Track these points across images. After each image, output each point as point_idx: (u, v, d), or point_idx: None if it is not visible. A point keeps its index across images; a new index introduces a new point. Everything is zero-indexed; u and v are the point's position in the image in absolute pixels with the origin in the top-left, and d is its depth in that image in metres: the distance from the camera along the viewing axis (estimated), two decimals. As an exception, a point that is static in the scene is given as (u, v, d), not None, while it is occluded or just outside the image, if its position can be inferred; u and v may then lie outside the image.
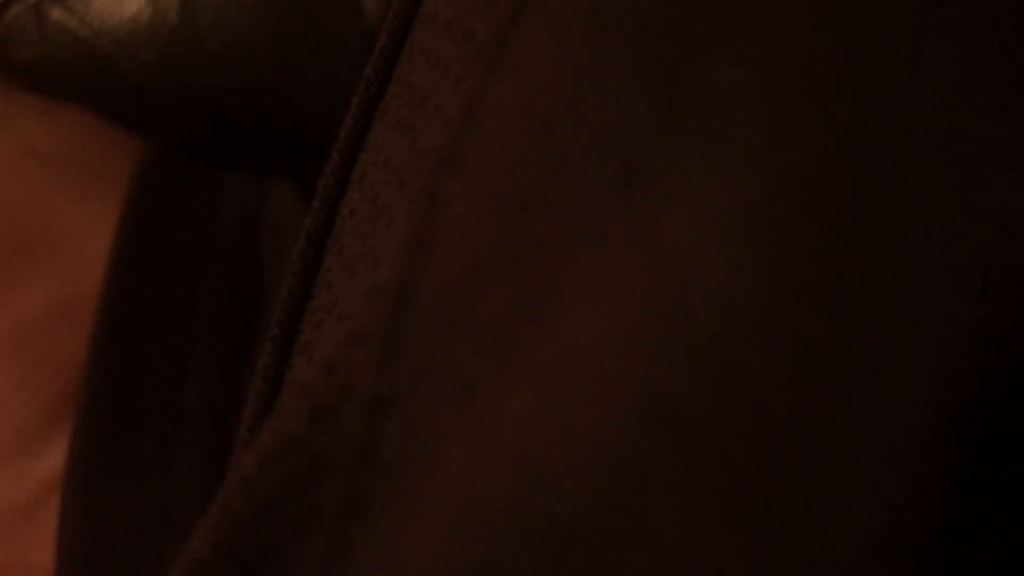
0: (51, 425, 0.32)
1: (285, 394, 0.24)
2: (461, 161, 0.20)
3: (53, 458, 0.32)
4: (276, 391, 0.25)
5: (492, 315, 0.19)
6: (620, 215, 0.19)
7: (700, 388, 0.18)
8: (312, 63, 0.39)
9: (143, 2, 0.38)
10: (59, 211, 0.34)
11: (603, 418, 0.18)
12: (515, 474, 0.18)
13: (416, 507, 0.19)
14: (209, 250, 0.34)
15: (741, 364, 0.18)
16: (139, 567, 0.31)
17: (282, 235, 0.35)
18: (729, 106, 0.19)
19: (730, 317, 0.18)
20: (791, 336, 0.18)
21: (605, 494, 0.18)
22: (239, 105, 0.39)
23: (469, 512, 0.19)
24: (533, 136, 0.20)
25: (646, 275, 0.19)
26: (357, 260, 0.23)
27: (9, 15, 0.39)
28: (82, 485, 0.31)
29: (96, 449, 0.32)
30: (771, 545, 0.18)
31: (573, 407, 0.19)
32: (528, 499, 0.18)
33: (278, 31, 0.39)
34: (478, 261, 0.20)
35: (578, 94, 0.20)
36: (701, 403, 0.18)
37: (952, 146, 0.18)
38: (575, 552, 0.18)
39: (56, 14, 0.39)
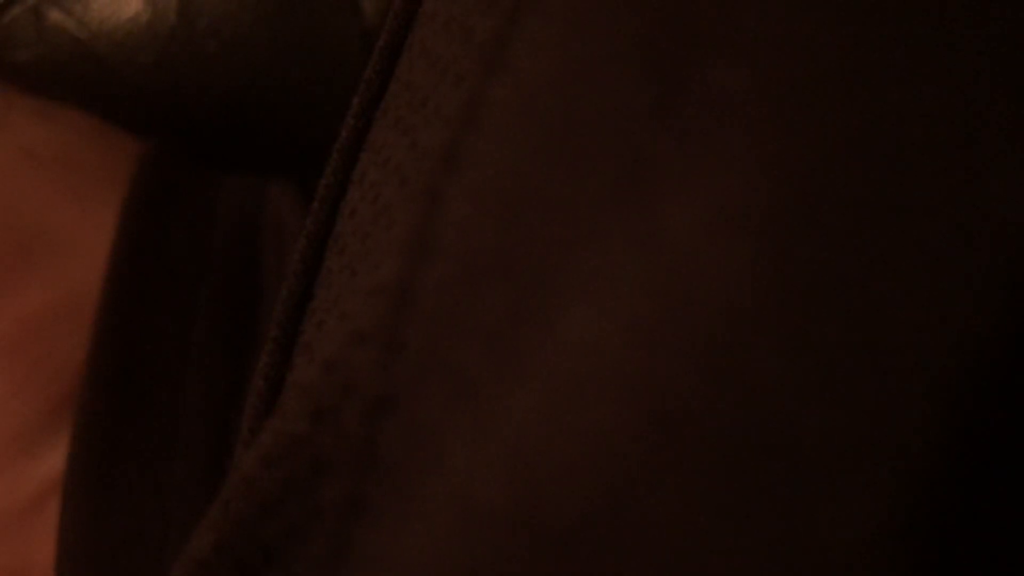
0: (51, 426, 0.32)
1: (286, 394, 0.24)
2: (462, 161, 0.20)
3: (53, 459, 0.32)
4: (277, 391, 0.25)
5: (493, 314, 0.19)
6: (621, 214, 0.19)
7: (701, 387, 0.18)
8: (310, 63, 0.39)
9: (142, 4, 0.38)
10: (58, 212, 0.34)
11: (604, 417, 0.18)
12: (516, 474, 0.18)
13: (417, 507, 0.19)
14: (208, 250, 0.34)
15: (742, 363, 0.18)
16: (139, 567, 0.31)
17: (282, 235, 0.35)
18: (730, 105, 0.19)
19: (731, 316, 0.18)
20: (792, 335, 0.18)
21: (606, 493, 0.18)
22: (238, 106, 0.39)
23: (470, 512, 0.19)
24: (534, 135, 0.20)
25: (647, 274, 0.19)
26: (358, 260, 0.23)
27: (7, 17, 0.39)
28: (82, 486, 0.31)
29: (96, 450, 0.32)
30: (771, 545, 0.18)
31: (574, 406, 0.19)
32: (529, 499, 0.18)
33: (277, 32, 0.39)
34: (479, 261, 0.20)
35: (579, 93, 0.20)
36: (702, 402, 0.18)
37: (954, 145, 0.18)
38: (575, 552, 0.18)
39: (55, 16, 0.39)
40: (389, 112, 0.25)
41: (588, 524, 0.18)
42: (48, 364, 0.32)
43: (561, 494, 0.18)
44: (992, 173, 0.18)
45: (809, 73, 0.19)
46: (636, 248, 0.19)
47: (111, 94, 0.38)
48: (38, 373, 0.32)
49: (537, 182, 0.20)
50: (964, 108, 0.19)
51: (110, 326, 0.33)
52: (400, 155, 0.23)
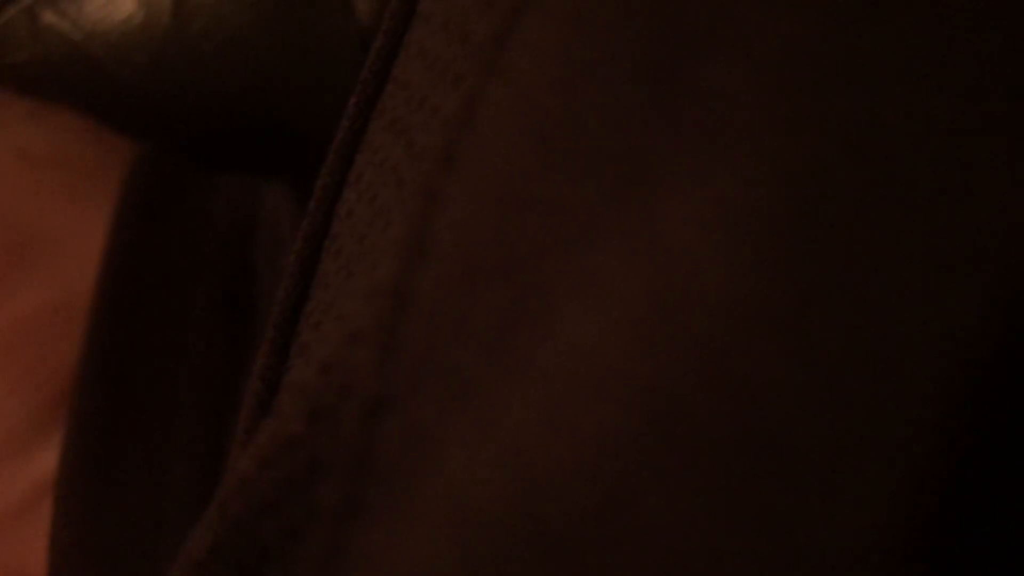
0: (44, 427, 0.32)
1: (283, 395, 0.24)
2: (459, 161, 0.20)
3: (46, 460, 0.32)
4: (273, 392, 0.25)
5: (490, 315, 0.19)
6: (619, 215, 0.19)
7: (699, 387, 0.18)
8: (305, 64, 0.39)
9: (136, 5, 0.38)
10: (52, 213, 0.34)
11: (602, 418, 0.18)
12: (514, 474, 0.18)
13: (414, 508, 0.19)
14: (203, 251, 0.34)
15: (740, 363, 0.18)
16: (132, 569, 0.31)
17: (277, 236, 0.35)
18: (728, 105, 0.19)
19: (729, 316, 0.18)
20: (791, 335, 0.18)
21: (603, 494, 0.18)
22: (232, 107, 0.39)
23: (468, 513, 0.19)
24: (531, 136, 0.20)
25: (645, 275, 0.19)
26: (355, 261, 0.23)
27: (2, 19, 0.39)
28: (75, 487, 0.31)
29: (89, 451, 0.32)
30: (771, 545, 0.18)
31: (572, 407, 0.19)
32: (527, 499, 0.18)
33: (271, 33, 0.39)
34: (476, 262, 0.20)
35: (576, 94, 0.20)
36: (700, 403, 0.18)
37: (952, 145, 0.18)
38: (573, 553, 0.18)
39: (49, 17, 0.38)
40: (386, 113, 0.25)
41: (586, 525, 0.18)
42: (42, 365, 0.32)
43: (559, 495, 0.18)
44: (991, 174, 0.18)
45: (807, 73, 0.19)
46: (634, 249, 0.19)
47: (105, 95, 0.38)
48: (32, 374, 0.32)
49: (534, 183, 0.20)
50: (963, 108, 0.19)
51: (104, 327, 0.33)
52: (397, 156, 0.23)
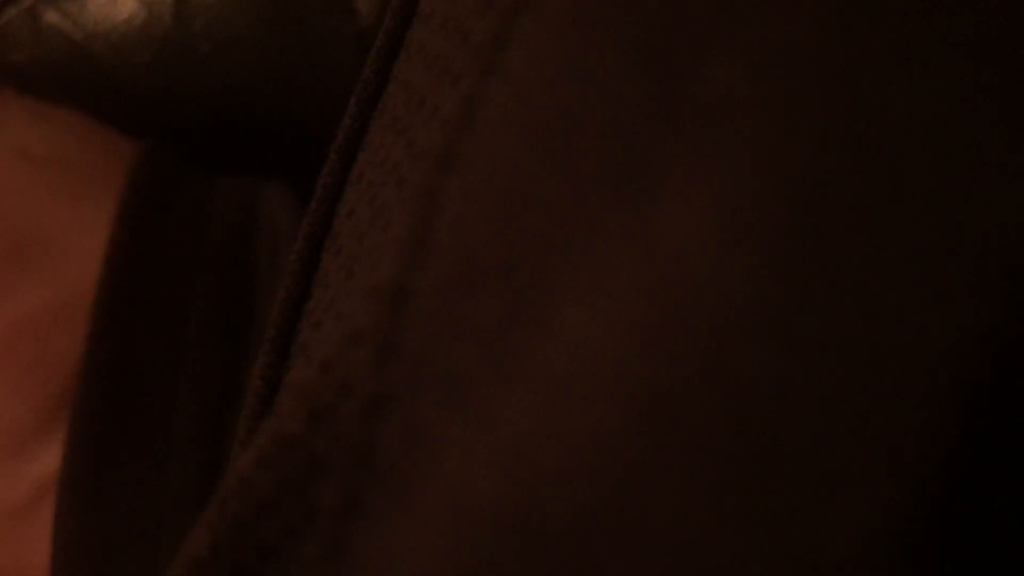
0: (46, 426, 0.32)
1: (282, 395, 0.24)
2: (459, 161, 0.20)
3: (48, 459, 0.32)
4: (274, 392, 0.25)
5: (490, 315, 0.19)
6: (618, 215, 0.19)
7: (698, 388, 0.18)
8: (305, 64, 0.39)
9: (137, 5, 0.38)
10: (53, 213, 0.34)
11: (601, 418, 0.18)
12: (513, 474, 0.18)
13: (413, 508, 0.19)
14: (203, 251, 0.34)
15: (739, 363, 0.18)
16: (134, 568, 0.31)
17: (277, 236, 0.35)
18: (728, 105, 0.19)
19: (728, 316, 0.18)
20: (789, 335, 0.18)
21: (603, 494, 0.18)
22: (233, 107, 0.39)
23: (467, 512, 0.19)
24: (531, 136, 0.20)
25: (644, 275, 0.19)
26: (355, 261, 0.23)
27: (3, 18, 0.39)
28: (77, 486, 0.31)
29: (91, 450, 0.32)
30: (769, 545, 0.18)
31: (571, 407, 0.19)
32: (526, 499, 0.18)
33: (271, 33, 0.39)
34: (476, 261, 0.20)
35: (576, 94, 0.20)
36: (699, 403, 0.18)
37: (951, 146, 0.18)
38: (572, 553, 0.18)
39: (50, 17, 0.38)
40: (386, 112, 0.25)
41: (584, 525, 0.18)
42: (43, 365, 0.32)
43: (557, 495, 0.18)
44: (990, 174, 0.18)
45: (806, 73, 0.19)
46: (632, 249, 0.19)
47: (106, 95, 0.38)
48: (33, 374, 0.32)
49: (534, 183, 0.20)
50: (962, 108, 0.19)
51: (105, 327, 0.33)
52: (397, 155, 0.23)
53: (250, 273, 0.34)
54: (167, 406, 0.32)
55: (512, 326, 0.19)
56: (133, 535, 0.31)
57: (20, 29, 0.39)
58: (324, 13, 0.39)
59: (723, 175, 0.19)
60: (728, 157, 0.19)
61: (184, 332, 0.33)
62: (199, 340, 0.33)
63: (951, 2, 0.19)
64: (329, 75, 0.39)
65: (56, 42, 0.39)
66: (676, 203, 0.19)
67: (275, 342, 0.25)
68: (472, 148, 0.20)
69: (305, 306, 0.25)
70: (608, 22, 0.20)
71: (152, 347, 0.33)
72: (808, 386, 0.18)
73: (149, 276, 0.34)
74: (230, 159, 0.39)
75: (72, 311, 0.33)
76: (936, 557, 0.18)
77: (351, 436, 0.19)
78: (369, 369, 0.20)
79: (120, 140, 0.37)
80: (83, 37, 0.38)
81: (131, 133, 0.37)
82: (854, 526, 0.18)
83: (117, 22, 0.38)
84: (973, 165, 0.18)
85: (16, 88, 0.38)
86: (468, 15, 0.22)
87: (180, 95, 0.39)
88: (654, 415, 0.18)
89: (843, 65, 0.19)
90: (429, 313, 0.19)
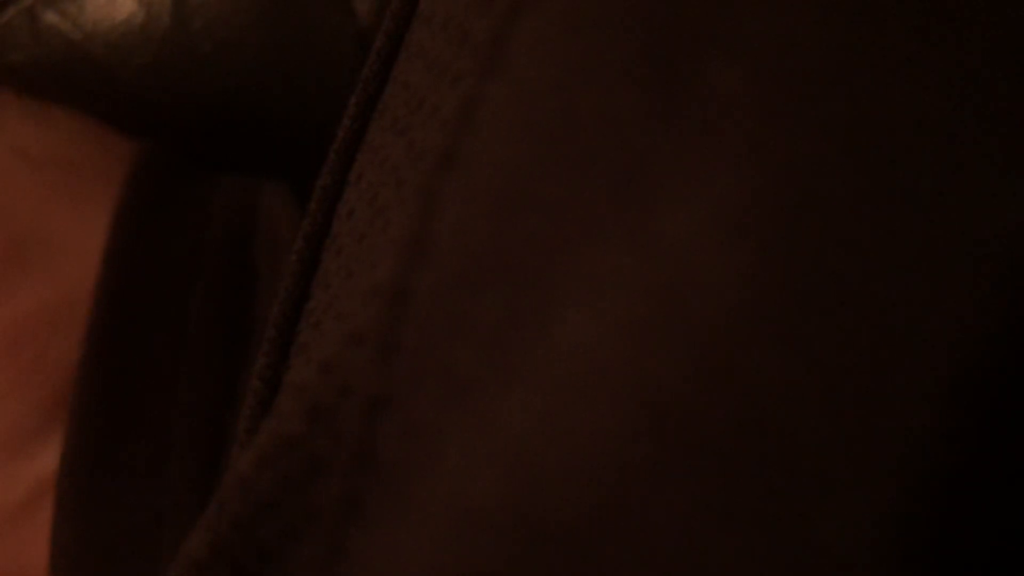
0: (44, 426, 0.32)
1: (282, 395, 0.24)
2: (459, 162, 0.20)
3: (46, 459, 0.32)
4: (273, 392, 0.25)
5: (490, 315, 0.19)
6: (618, 215, 0.19)
7: (698, 387, 0.18)
8: (304, 64, 0.39)
9: (136, 5, 0.38)
10: (52, 213, 0.34)
11: (601, 418, 0.18)
12: (513, 475, 0.18)
13: (413, 508, 0.19)
14: (202, 251, 0.34)
15: (739, 363, 0.18)
16: (133, 568, 0.31)
17: (276, 236, 0.35)
18: (727, 105, 0.19)
19: (728, 316, 0.18)
20: (790, 335, 0.18)
21: (603, 494, 0.18)
22: (232, 107, 0.39)
23: (467, 513, 0.19)
24: (531, 136, 0.20)
25: (644, 275, 0.19)
26: (355, 261, 0.23)
27: (2, 19, 0.39)
28: (76, 486, 0.31)
29: (90, 450, 0.32)
30: (770, 545, 0.18)
31: (571, 407, 0.19)
32: (526, 500, 0.18)
33: (270, 33, 0.39)
34: (476, 262, 0.20)
35: (576, 94, 0.20)
36: (699, 403, 0.18)
37: (951, 145, 0.18)
38: (573, 553, 0.18)
39: (49, 17, 0.38)
40: (386, 113, 0.25)
41: (584, 525, 0.18)
42: (42, 365, 0.32)
43: (557, 495, 0.18)
44: (991, 173, 0.18)
45: (806, 72, 0.19)
46: (633, 249, 0.19)
47: (106, 95, 0.38)
48: (32, 374, 0.32)
49: (534, 183, 0.20)
50: (963, 108, 0.19)
51: (104, 327, 0.33)
52: (397, 156, 0.23)
53: (250, 273, 0.34)
54: (166, 406, 0.32)
55: (512, 326, 0.19)
56: (132, 536, 0.31)
57: (19, 29, 0.39)
58: (323, 13, 0.39)
59: (723, 175, 0.19)
60: (728, 157, 0.19)
61: (183, 332, 0.33)
62: (198, 340, 0.33)
63: (951, 2, 0.19)
64: (328, 75, 0.39)
65: (55, 42, 0.39)
66: (676, 203, 0.19)
67: (275, 342, 0.25)
68: (472, 148, 0.20)
69: (305, 307, 0.25)
70: (608, 22, 0.20)
71: (151, 347, 0.33)
72: (809, 386, 0.18)
73: (148, 276, 0.33)
74: (230, 159, 0.39)
75: (71, 311, 0.33)
76: (939, 557, 0.18)
77: (351, 436, 0.19)
78: (369, 369, 0.20)
79: (119, 140, 0.37)
80: (82, 37, 0.38)
81: (130, 133, 0.37)
82: (856, 526, 0.18)
83: (116, 22, 0.38)
84: (974, 164, 0.18)
85: (15, 88, 0.38)
86: (468, 16, 0.22)
87: (179, 95, 0.39)
88: (654, 415, 0.18)
89: (843, 65, 0.19)
90: (429, 313, 0.19)
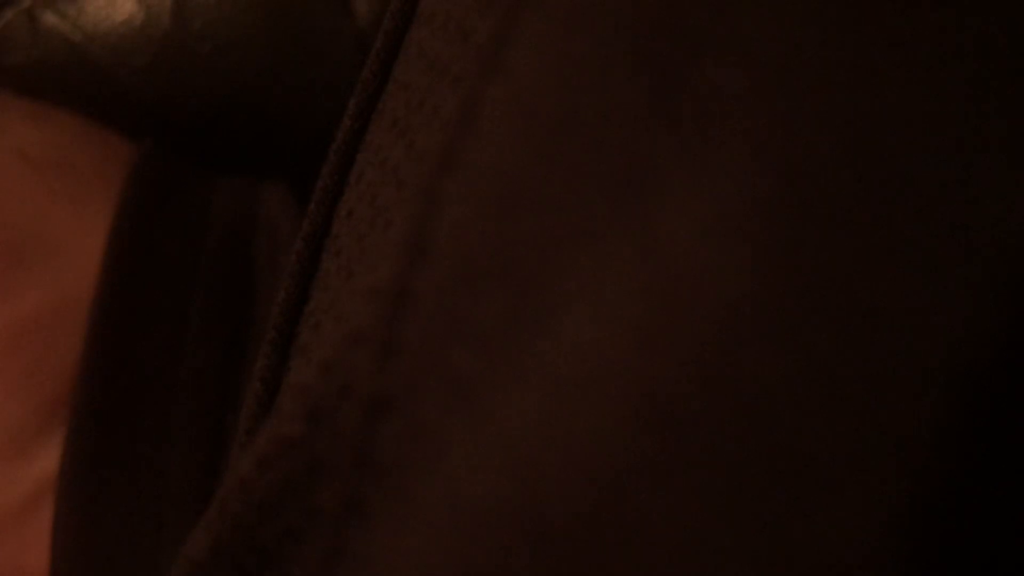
0: (45, 427, 0.32)
1: (283, 396, 0.24)
2: (459, 162, 0.20)
3: (47, 460, 0.32)
4: (274, 393, 0.25)
5: (490, 316, 0.19)
6: (618, 215, 0.19)
7: (698, 388, 0.18)
8: (304, 65, 0.39)
9: (136, 6, 0.38)
10: (52, 215, 0.34)
11: (601, 418, 0.18)
12: (514, 475, 0.18)
13: (414, 509, 0.19)
14: (202, 252, 0.34)
15: (739, 363, 0.18)
16: (133, 569, 0.31)
17: (276, 236, 0.35)
18: (727, 105, 0.19)
19: (728, 316, 0.18)
20: (790, 335, 0.18)
21: (602, 494, 0.18)
22: (231, 108, 0.39)
23: (468, 513, 0.19)
24: (531, 137, 0.20)
25: (644, 275, 0.19)
26: (355, 261, 0.23)
27: (2, 20, 0.39)
28: (76, 487, 0.31)
29: (90, 451, 0.32)
30: (770, 546, 0.18)
31: (572, 407, 0.19)
32: (527, 500, 0.18)
33: (270, 34, 0.39)
34: (476, 262, 0.20)
35: (576, 94, 0.20)
36: (699, 403, 0.18)
37: (951, 145, 0.18)
38: (574, 553, 0.18)
39: (49, 19, 0.38)
40: (386, 113, 0.25)
41: (584, 525, 0.18)
42: (42, 366, 0.32)
43: (557, 495, 0.18)
44: (990, 173, 0.18)
45: (806, 72, 0.19)
46: (633, 250, 0.19)
47: (105, 96, 0.38)
48: (32, 375, 0.32)
49: (534, 184, 0.20)
50: (962, 107, 0.19)
51: (103, 328, 0.33)
52: (397, 156, 0.23)
53: (249, 274, 0.34)
54: (166, 407, 0.32)
55: (512, 327, 0.19)
56: (132, 537, 0.31)
57: (18, 31, 0.39)
58: (322, 14, 0.39)
59: (723, 175, 0.19)
60: (728, 157, 0.19)
61: (183, 333, 0.33)
62: (198, 341, 0.33)
63: (953, 2, 0.19)
64: (328, 76, 0.39)
65: (54, 44, 0.39)
66: (676, 203, 0.19)
67: (275, 343, 0.25)
68: (472, 149, 0.20)
69: (305, 307, 0.25)
70: (608, 22, 0.20)
71: (151, 348, 0.33)
72: (809, 386, 0.18)
73: (148, 277, 0.33)
74: (229, 160, 0.39)
75: (71, 312, 0.33)
76: (941, 556, 0.18)
77: (351, 437, 0.19)
78: (369, 370, 0.20)
79: (119, 141, 0.37)
80: (81, 39, 0.38)
81: (130, 134, 0.37)
82: (857, 526, 0.18)
83: (115, 23, 0.38)
84: (974, 163, 0.18)
85: (15, 90, 0.38)
86: (469, 15, 0.22)
87: (179, 96, 0.39)
88: (654, 415, 0.18)
89: (842, 65, 0.19)
90: (429, 314, 0.19)
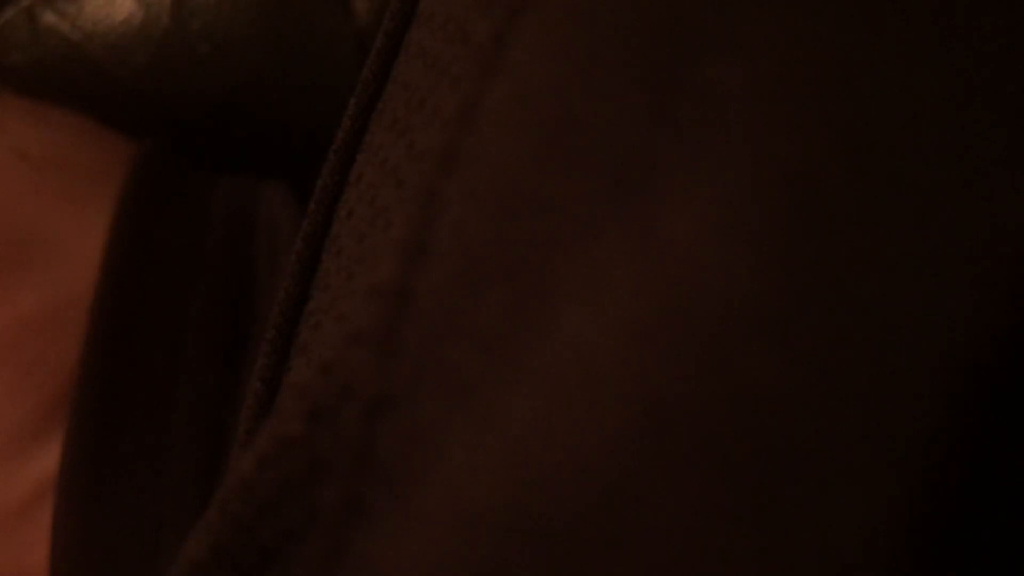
0: (44, 427, 0.32)
1: (283, 396, 0.24)
2: (459, 162, 0.20)
3: (46, 460, 0.32)
4: (274, 393, 0.25)
5: (490, 316, 0.19)
6: (618, 215, 0.19)
7: (698, 388, 0.18)
8: (303, 64, 0.39)
9: (135, 5, 0.38)
10: (51, 214, 0.34)
11: (602, 418, 0.18)
12: (514, 475, 0.18)
13: (415, 509, 0.19)
14: (202, 252, 0.34)
15: (739, 363, 0.18)
16: (133, 569, 0.31)
17: (275, 236, 0.35)
18: (727, 105, 0.19)
19: (728, 317, 0.18)
20: (790, 335, 0.18)
21: (603, 495, 0.18)
22: (231, 107, 0.39)
23: (468, 513, 0.19)
24: (531, 136, 0.20)
25: (644, 275, 0.19)
26: (355, 261, 0.23)
27: (1, 19, 0.39)
28: (76, 487, 0.31)
29: (89, 452, 0.32)
30: (771, 546, 0.18)
31: (572, 407, 0.19)
32: (527, 500, 0.18)
33: (269, 33, 0.39)
34: (476, 262, 0.20)
35: (576, 94, 0.20)
36: (699, 403, 0.18)
37: (951, 145, 0.18)
38: (575, 553, 0.18)
39: (48, 18, 0.38)
40: (386, 113, 0.25)
41: (585, 525, 0.18)
42: (41, 366, 0.32)
43: (558, 495, 0.18)
44: (990, 173, 0.18)
45: (806, 73, 0.19)
46: (633, 249, 0.19)
47: (105, 96, 0.38)
48: (31, 375, 0.32)
49: (534, 183, 0.20)
50: (962, 107, 0.19)
51: (103, 328, 0.33)
52: (397, 156, 0.23)
53: (249, 274, 0.34)
54: (166, 407, 0.32)
55: (513, 327, 0.19)
56: (132, 537, 0.31)
57: (18, 30, 0.39)
58: (322, 13, 0.39)
59: (723, 175, 0.19)
60: (728, 157, 0.19)
61: (183, 333, 0.33)
62: (198, 341, 0.33)
63: (953, 3, 0.19)
64: (327, 75, 0.39)
65: (54, 43, 0.39)
66: (676, 203, 0.19)
67: (275, 343, 0.25)
68: (473, 148, 0.20)
69: (305, 307, 0.25)
70: (608, 22, 0.20)
71: (151, 348, 0.33)
72: (809, 387, 0.18)
73: (148, 277, 0.33)
74: (229, 160, 0.39)
75: (71, 312, 0.33)
76: (940, 556, 0.18)
77: (352, 437, 0.19)
78: (370, 370, 0.20)
79: (118, 141, 0.37)
80: (81, 38, 0.38)
81: (129, 134, 0.37)
82: (857, 526, 0.18)
83: (115, 23, 0.38)
84: (974, 162, 0.18)
85: (14, 89, 0.38)
86: (469, 16, 0.22)
87: (178, 95, 0.39)
88: (655, 415, 0.18)
89: (843, 64, 0.19)
90: (430, 314, 0.19)
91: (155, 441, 0.32)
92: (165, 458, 0.32)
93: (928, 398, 0.18)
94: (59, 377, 0.32)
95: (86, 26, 0.38)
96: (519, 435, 0.19)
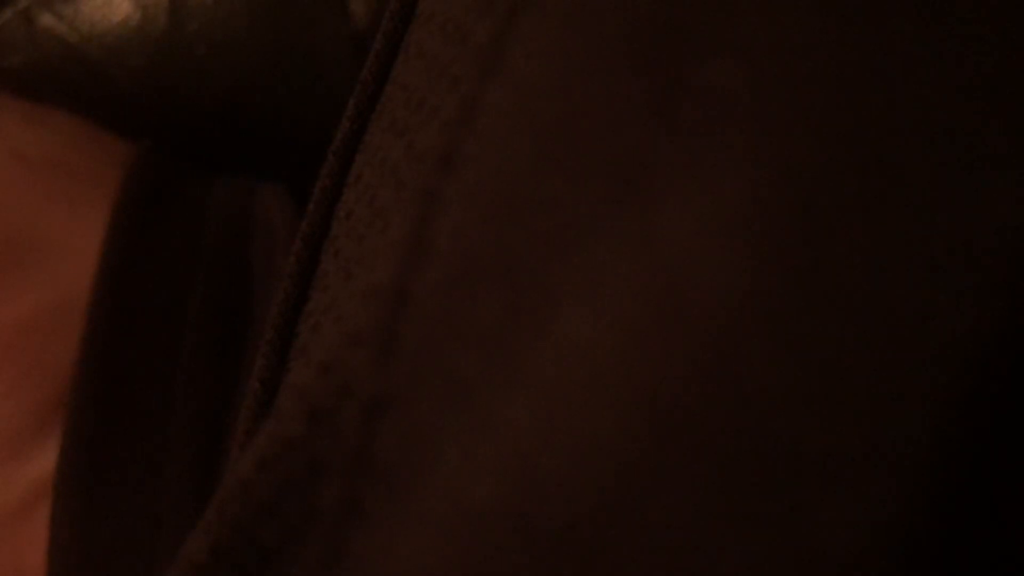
0: (42, 429, 0.32)
1: (281, 397, 0.24)
2: (458, 163, 0.20)
3: (44, 461, 0.32)
4: (272, 394, 0.25)
5: (489, 317, 0.19)
6: (617, 215, 0.19)
7: (698, 389, 0.18)
8: (300, 66, 0.39)
9: (132, 7, 0.38)
10: (48, 216, 0.34)
11: (599, 419, 0.18)
12: (511, 476, 0.18)
13: (414, 509, 0.19)
14: (199, 253, 0.34)
15: (738, 366, 0.18)
16: (131, 569, 0.31)
17: (272, 237, 0.35)
18: (727, 105, 0.19)
19: (727, 317, 0.18)
20: (789, 335, 0.18)
21: (603, 496, 0.18)
22: (228, 109, 0.39)
23: (467, 514, 0.19)
24: (531, 137, 0.20)
25: (643, 275, 0.19)
26: (353, 262, 0.23)
27: (-2, 20, 0.39)
28: (73, 488, 0.31)
29: (87, 452, 0.32)
30: (770, 546, 0.18)
31: (571, 408, 0.19)
32: (524, 500, 0.18)
33: (266, 35, 0.39)
34: (475, 263, 0.20)
35: (576, 94, 0.20)
36: (699, 404, 0.18)
37: (950, 145, 0.18)
38: (573, 554, 0.18)
39: (46, 20, 0.38)
40: (385, 114, 0.25)
41: (583, 526, 0.18)
42: (39, 367, 0.32)
43: (556, 496, 0.18)
44: (991, 174, 0.18)
45: (806, 71, 0.19)
46: (632, 250, 0.19)
47: (102, 97, 0.38)
48: (29, 376, 0.32)
49: (533, 184, 0.20)
50: (962, 107, 0.19)
51: (100, 329, 0.33)
52: (396, 157, 0.23)
53: (247, 275, 0.34)
54: (164, 408, 0.32)
55: (512, 327, 0.19)
56: (130, 538, 0.31)
57: (15, 32, 0.39)
58: (320, 15, 0.39)
59: (723, 175, 0.19)
60: (728, 157, 0.19)
61: (180, 334, 0.33)
62: (196, 342, 0.33)
63: (954, 2, 0.19)
64: (325, 77, 0.39)
65: (51, 45, 0.39)
66: (676, 203, 0.19)
67: (273, 344, 0.25)
68: (472, 149, 0.20)
69: (303, 308, 0.25)
70: (608, 22, 0.20)
71: (148, 349, 0.33)
72: (809, 388, 0.18)
73: (145, 278, 0.33)
74: (226, 161, 0.39)
75: (68, 313, 0.33)
76: (939, 557, 0.18)
77: (351, 438, 0.19)
78: (369, 370, 0.20)
79: (115, 142, 0.37)
80: (78, 40, 0.38)
81: (126, 135, 0.37)
82: (856, 526, 0.18)
83: (112, 24, 0.38)
84: (975, 162, 0.18)
85: (11, 91, 0.38)
86: (468, 16, 0.22)
87: (175, 97, 0.39)
88: (654, 416, 0.18)
89: (843, 64, 0.19)
90: (429, 314, 0.19)
91: (153, 442, 0.32)
92: (163, 459, 0.32)
93: (928, 398, 0.18)
94: (57, 378, 0.32)
95: (83, 28, 0.38)
96: (517, 435, 0.19)
